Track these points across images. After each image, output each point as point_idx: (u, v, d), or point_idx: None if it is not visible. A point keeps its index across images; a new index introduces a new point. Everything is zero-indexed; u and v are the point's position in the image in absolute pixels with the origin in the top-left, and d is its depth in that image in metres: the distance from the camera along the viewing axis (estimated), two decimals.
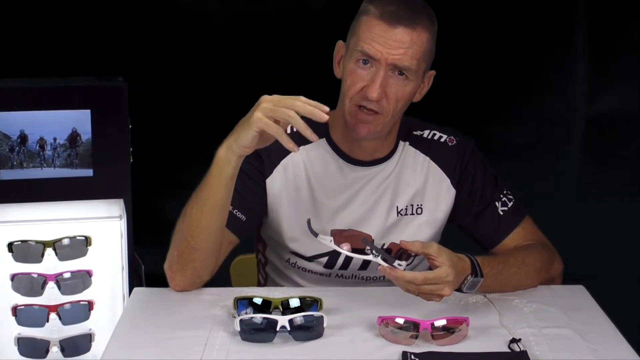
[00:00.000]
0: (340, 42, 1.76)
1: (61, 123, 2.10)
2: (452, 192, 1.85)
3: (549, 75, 2.77)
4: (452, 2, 2.70)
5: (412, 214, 1.84)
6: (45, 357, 2.06)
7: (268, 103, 1.53)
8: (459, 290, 1.62)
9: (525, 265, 1.75)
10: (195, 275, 1.70)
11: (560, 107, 2.79)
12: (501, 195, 1.86)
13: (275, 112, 1.51)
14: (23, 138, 2.10)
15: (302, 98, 1.51)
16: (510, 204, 1.85)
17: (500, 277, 1.69)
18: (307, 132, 1.51)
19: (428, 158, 1.85)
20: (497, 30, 2.71)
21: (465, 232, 1.90)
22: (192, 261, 1.67)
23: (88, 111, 2.10)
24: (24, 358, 2.07)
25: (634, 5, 2.67)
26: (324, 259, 1.84)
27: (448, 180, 1.85)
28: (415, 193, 1.84)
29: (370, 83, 1.66)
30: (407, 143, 1.86)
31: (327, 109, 1.51)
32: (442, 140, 1.87)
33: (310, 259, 1.85)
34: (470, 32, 2.70)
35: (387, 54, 1.65)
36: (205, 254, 1.68)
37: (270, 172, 1.81)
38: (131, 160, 2.17)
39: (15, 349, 2.06)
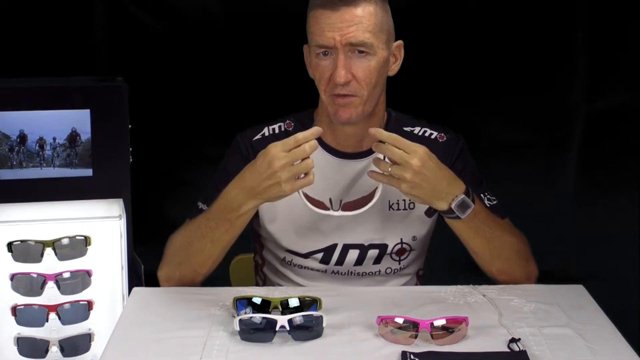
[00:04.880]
0: (306, 46, 1.78)
1: (61, 123, 2.10)
2: None
3: (548, 74, 2.77)
4: (452, 2, 2.71)
5: (405, 209, 1.85)
6: (44, 357, 2.06)
7: (283, 171, 1.57)
8: (448, 212, 1.65)
9: (510, 235, 1.77)
10: (192, 285, 1.78)
11: (559, 105, 2.79)
12: (486, 194, 1.85)
13: (297, 171, 1.58)
14: (23, 138, 2.10)
15: (299, 138, 1.58)
16: (493, 203, 1.85)
17: (488, 228, 1.72)
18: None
19: None
20: (497, 29, 2.71)
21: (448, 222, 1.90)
22: (192, 282, 1.77)
23: (87, 111, 2.11)
24: (24, 358, 2.07)
25: (634, 5, 2.67)
26: (319, 255, 1.85)
27: None
28: None
29: (334, 69, 1.68)
30: None
31: (319, 130, 1.60)
32: (433, 137, 1.87)
33: (306, 255, 1.86)
34: (470, 31, 2.70)
35: (340, 37, 1.66)
36: (207, 275, 1.78)
37: None
38: (131, 160, 2.17)
39: (14, 348, 2.06)
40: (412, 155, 1.61)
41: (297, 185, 1.60)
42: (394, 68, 1.78)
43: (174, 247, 1.78)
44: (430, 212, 1.83)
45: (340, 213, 1.73)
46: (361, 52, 1.68)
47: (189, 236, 1.75)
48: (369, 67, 1.69)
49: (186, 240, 1.76)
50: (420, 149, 1.62)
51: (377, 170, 1.67)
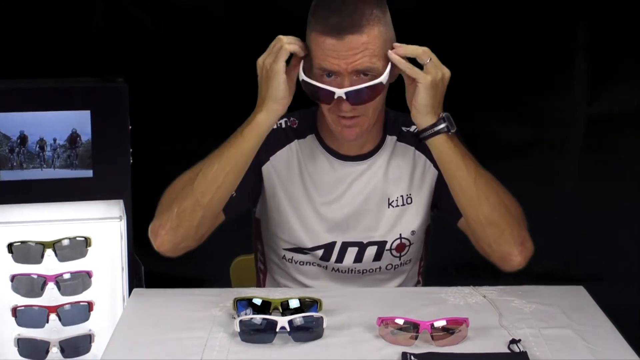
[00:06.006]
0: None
1: (61, 124, 2.10)
2: (433, 172, 1.86)
3: (548, 75, 2.77)
4: (452, 2, 2.71)
5: (403, 204, 1.86)
6: (45, 357, 2.06)
7: (269, 58, 1.66)
8: (436, 123, 1.68)
9: (497, 184, 1.74)
10: (186, 236, 1.73)
11: (560, 106, 2.79)
12: None
13: (274, 52, 1.65)
14: (23, 139, 2.10)
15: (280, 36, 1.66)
16: None
17: (472, 162, 1.71)
18: (301, 42, 1.68)
19: (413, 148, 1.87)
20: (498, 30, 2.71)
21: (436, 206, 1.91)
22: (191, 220, 1.72)
23: (88, 112, 2.10)
24: (24, 359, 2.07)
25: (634, 5, 2.67)
26: (320, 252, 1.86)
27: (431, 164, 1.86)
28: (404, 184, 1.87)
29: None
30: (396, 138, 1.87)
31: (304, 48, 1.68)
32: None
33: (306, 251, 1.87)
34: (471, 31, 2.70)
35: (345, 64, 1.65)
36: (208, 214, 1.73)
37: (266, 160, 1.84)
38: (131, 161, 2.17)
39: (15, 350, 2.06)
40: (444, 67, 1.67)
41: (279, 58, 1.64)
42: (394, 74, 1.77)
43: (174, 189, 1.76)
44: (417, 138, 1.79)
45: (344, 90, 1.65)
46: (366, 74, 1.67)
47: (195, 170, 1.73)
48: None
49: (190, 175, 1.74)
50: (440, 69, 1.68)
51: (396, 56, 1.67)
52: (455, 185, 1.73)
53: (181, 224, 1.73)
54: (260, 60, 1.67)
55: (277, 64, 1.64)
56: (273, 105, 1.67)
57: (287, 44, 1.65)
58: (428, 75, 1.64)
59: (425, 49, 1.67)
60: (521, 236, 1.75)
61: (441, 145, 1.69)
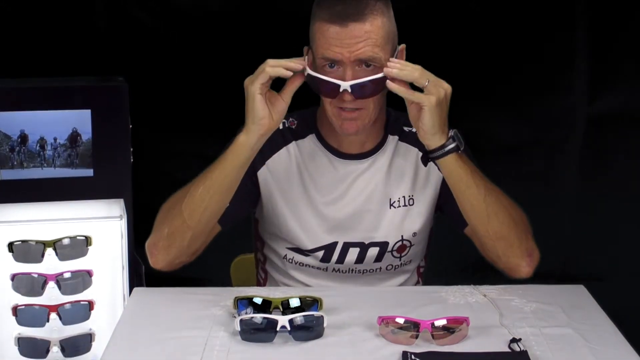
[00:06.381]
0: (306, 48, 1.77)
1: (61, 123, 2.11)
2: (437, 175, 1.85)
3: (548, 75, 2.77)
4: (452, 2, 2.71)
5: (405, 205, 1.86)
6: (45, 357, 2.06)
7: (250, 79, 1.66)
8: (445, 143, 1.65)
9: (506, 198, 1.74)
10: (179, 254, 1.76)
11: (560, 106, 2.79)
12: None
13: (256, 75, 1.65)
14: (23, 138, 2.10)
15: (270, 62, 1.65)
16: None
17: (481, 179, 1.70)
18: (290, 64, 1.64)
19: (416, 149, 1.86)
20: (497, 30, 2.71)
21: (440, 209, 1.91)
22: (181, 240, 1.74)
23: (88, 111, 2.11)
24: (24, 358, 2.07)
25: (634, 6, 2.68)
26: (320, 253, 1.86)
27: (435, 167, 1.85)
28: (406, 185, 1.86)
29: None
30: (397, 137, 1.87)
31: (297, 67, 1.65)
32: None
33: (307, 253, 1.87)
34: (471, 31, 2.70)
35: (348, 53, 1.65)
36: (197, 234, 1.74)
37: (262, 165, 1.84)
38: (132, 160, 2.17)
39: (15, 349, 2.06)
40: (443, 82, 1.63)
41: (257, 80, 1.64)
42: None
43: (166, 208, 1.78)
44: (425, 159, 1.77)
45: (350, 83, 1.64)
46: (368, 65, 1.67)
47: (185, 190, 1.75)
48: None
49: (181, 194, 1.75)
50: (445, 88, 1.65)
51: (396, 84, 1.63)
52: (465, 202, 1.73)
53: (172, 244, 1.75)
54: (246, 83, 1.68)
55: (252, 85, 1.65)
56: (252, 127, 1.67)
57: (270, 67, 1.64)
58: (432, 96, 1.61)
59: (418, 67, 1.63)
60: (529, 247, 1.77)
61: (451, 164, 1.68)
